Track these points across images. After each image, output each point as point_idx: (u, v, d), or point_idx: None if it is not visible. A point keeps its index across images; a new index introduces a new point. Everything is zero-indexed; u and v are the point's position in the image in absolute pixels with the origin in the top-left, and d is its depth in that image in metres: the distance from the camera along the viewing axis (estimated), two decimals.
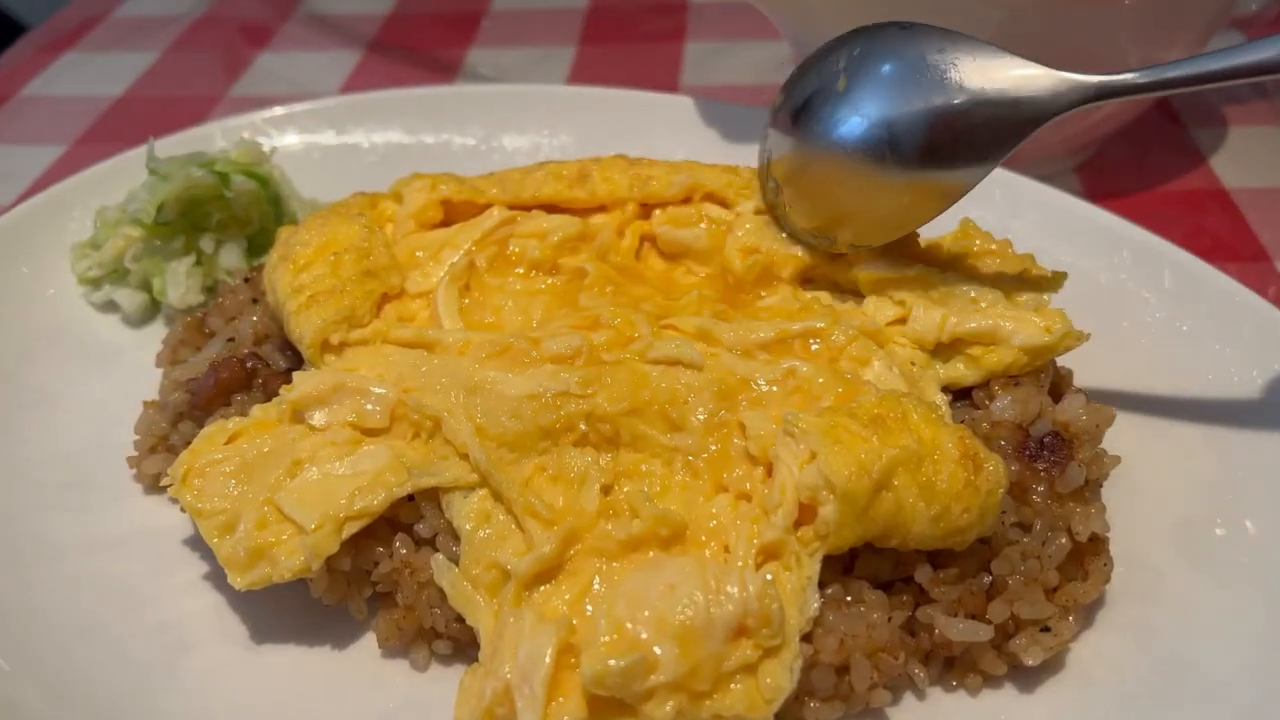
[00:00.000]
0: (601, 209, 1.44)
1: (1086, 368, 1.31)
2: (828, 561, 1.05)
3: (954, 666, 1.09)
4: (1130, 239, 1.49)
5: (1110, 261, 1.48)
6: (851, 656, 1.02)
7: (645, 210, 1.45)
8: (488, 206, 1.44)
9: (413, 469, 1.13)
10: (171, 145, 1.70)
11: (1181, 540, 1.20)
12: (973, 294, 1.26)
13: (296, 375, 1.21)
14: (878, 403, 1.09)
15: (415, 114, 1.87)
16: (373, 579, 1.14)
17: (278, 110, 1.86)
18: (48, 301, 1.55)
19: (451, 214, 1.46)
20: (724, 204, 1.42)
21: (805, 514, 1.04)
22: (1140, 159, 1.99)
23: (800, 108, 1.32)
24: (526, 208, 1.44)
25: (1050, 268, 1.37)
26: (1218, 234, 1.80)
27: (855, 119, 1.24)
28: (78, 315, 1.56)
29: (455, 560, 1.10)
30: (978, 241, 1.38)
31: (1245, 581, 1.15)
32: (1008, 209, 1.58)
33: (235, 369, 1.27)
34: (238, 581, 1.09)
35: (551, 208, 1.45)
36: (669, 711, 0.94)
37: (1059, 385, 1.26)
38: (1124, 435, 1.24)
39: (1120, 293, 1.45)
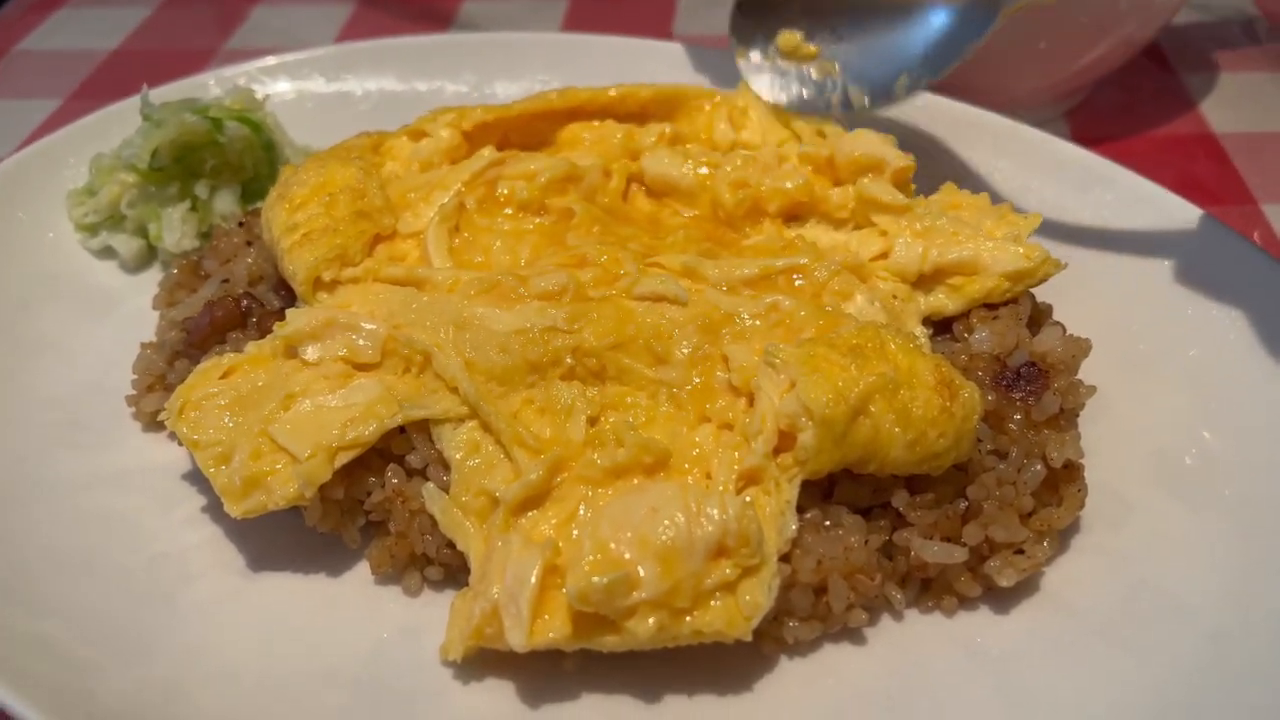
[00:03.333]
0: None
1: (1066, 302, 1.33)
2: (807, 488, 1.07)
3: (930, 588, 1.12)
4: (1113, 179, 1.51)
5: (1093, 200, 1.50)
6: (829, 577, 1.05)
7: (633, 152, 1.47)
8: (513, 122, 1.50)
9: (403, 402, 1.15)
10: (166, 94, 1.71)
11: (1155, 469, 1.22)
12: (953, 228, 1.28)
13: (289, 311, 1.23)
14: (856, 333, 1.11)
15: (408, 62, 1.88)
16: (365, 508, 1.17)
17: (270, 60, 1.87)
18: (45, 248, 1.57)
19: (477, 144, 1.51)
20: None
21: (785, 441, 1.07)
22: (1130, 104, 2.00)
23: None
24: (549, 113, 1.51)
25: (1034, 206, 1.39)
26: (1205, 178, 1.82)
27: None
28: (75, 261, 1.58)
29: (446, 489, 1.13)
30: (959, 201, 1.41)
31: (1215, 510, 1.18)
32: (994, 150, 1.59)
33: (230, 308, 1.30)
34: (234, 510, 1.12)
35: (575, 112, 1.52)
36: (650, 627, 0.98)
37: (1037, 318, 1.28)
38: (1102, 368, 1.26)
39: (1102, 230, 1.47)
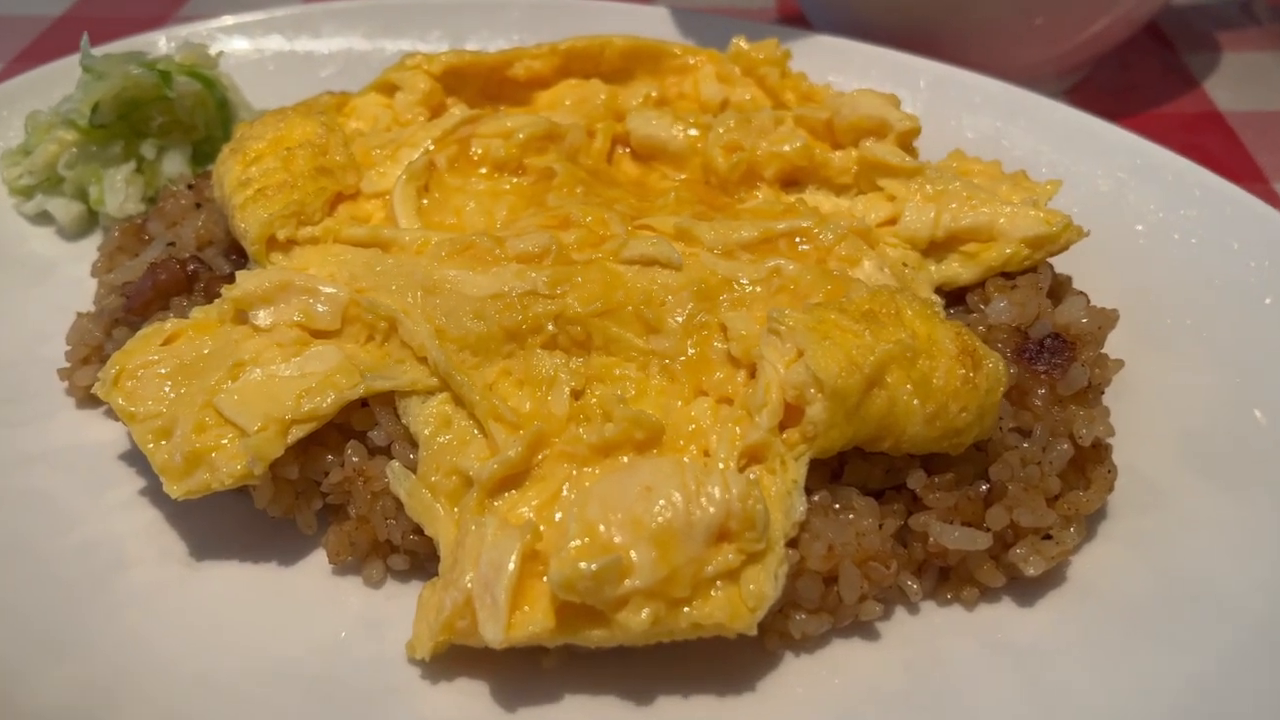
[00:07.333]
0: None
1: (1085, 273, 1.24)
2: (815, 467, 0.97)
3: (949, 578, 1.02)
4: (1129, 146, 1.43)
5: (1109, 168, 1.42)
6: (840, 565, 0.95)
7: (617, 113, 1.37)
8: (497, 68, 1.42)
9: (366, 371, 1.04)
10: (111, 50, 1.59)
11: (1185, 450, 1.14)
12: (967, 192, 1.19)
13: (240, 273, 1.12)
14: (869, 297, 1.02)
15: (376, 23, 1.78)
16: (322, 489, 1.06)
17: (228, 19, 1.76)
18: None
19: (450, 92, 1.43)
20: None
21: (791, 415, 0.97)
22: (1132, 83, 1.94)
23: None
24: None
25: (1047, 175, 1.30)
26: (1215, 155, 1.75)
27: None
28: (8, 228, 1.46)
29: (412, 468, 1.02)
30: (970, 167, 1.33)
31: (1252, 493, 1.09)
32: (1003, 119, 1.52)
33: (174, 271, 1.18)
34: (174, 490, 1.00)
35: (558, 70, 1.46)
36: (644, 619, 0.87)
37: (1057, 289, 1.19)
38: (1123, 342, 1.17)
39: (1120, 198, 1.39)
